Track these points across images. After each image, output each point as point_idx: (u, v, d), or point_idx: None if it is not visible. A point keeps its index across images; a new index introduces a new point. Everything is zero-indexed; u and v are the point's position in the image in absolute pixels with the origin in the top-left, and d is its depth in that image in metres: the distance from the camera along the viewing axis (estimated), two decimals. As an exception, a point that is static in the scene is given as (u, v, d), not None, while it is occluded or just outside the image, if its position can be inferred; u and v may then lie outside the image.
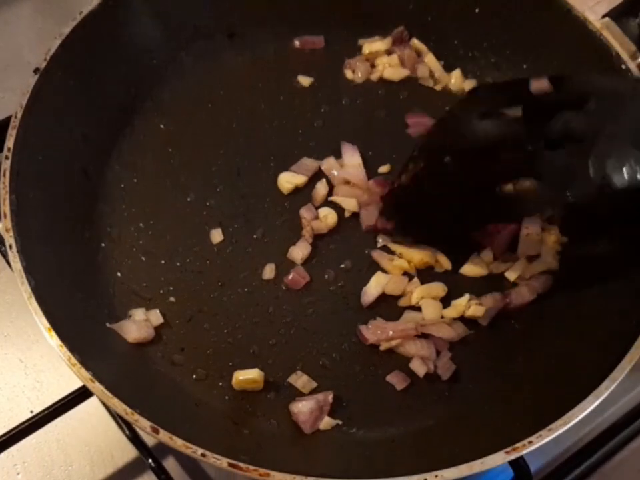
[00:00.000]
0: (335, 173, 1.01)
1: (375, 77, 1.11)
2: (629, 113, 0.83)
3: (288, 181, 1.01)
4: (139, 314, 0.91)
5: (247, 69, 1.11)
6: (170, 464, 0.88)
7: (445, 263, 0.95)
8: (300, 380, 0.88)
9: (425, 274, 0.95)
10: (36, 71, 0.91)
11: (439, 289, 0.94)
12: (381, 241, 0.97)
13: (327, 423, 0.85)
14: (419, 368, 0.89)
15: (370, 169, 1.01)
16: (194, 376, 0.88)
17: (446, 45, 1.12)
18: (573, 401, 0.74)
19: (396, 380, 0.88)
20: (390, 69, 1.11)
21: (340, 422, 0.85)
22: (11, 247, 0.81)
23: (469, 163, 0.88)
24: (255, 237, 0.98)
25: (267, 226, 0.98)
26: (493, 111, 0.87)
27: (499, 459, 0.71)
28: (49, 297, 0.80)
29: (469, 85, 1.11)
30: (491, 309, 0.91)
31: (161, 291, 0.94)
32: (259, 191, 1.01)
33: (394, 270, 0.95)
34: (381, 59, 1.12)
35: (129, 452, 0.89)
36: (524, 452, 0.72)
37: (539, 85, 0.85)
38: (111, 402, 0.74)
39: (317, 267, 0.96)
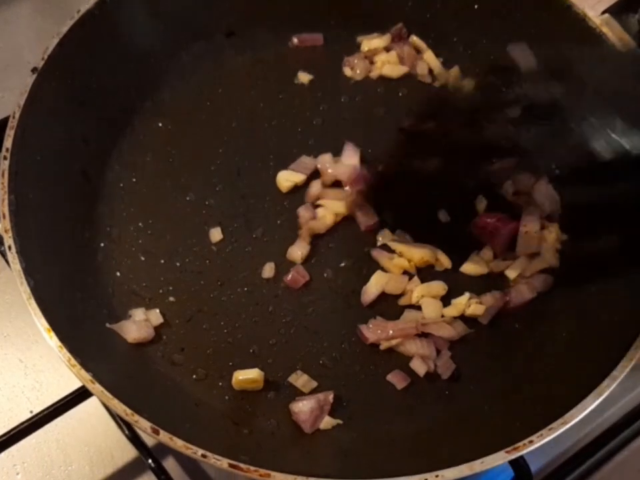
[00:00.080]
0: (330, 170, 1.01)
1: (374, 74, 1.11)
2: (610, 81, 0.82)
3: (287, 179, 1.00)
4: (138, 314, 0.91)
5: (247, 68, 1.11)
6: (170, 464, 0.88)
7: (445, 262, 0.95)
8: (300, 379, 0.87)
9: (425, 273, 0.95)
10: (34, 70, 0.91)
11: (439, 287, 0.93)
12: (380, 239, 0.97)
13: (327, 422, 0.85)
14: (419, 367, 0.88)
15: (369, 167, 1.01)
16: (194, 376, 0.88)
17: (445, 42, 1.11)
18: (574, 400, 0.74)
19: (396, 379, 0.88)
20: (389, 66, 1.11)
21: (340, 421, 0.85)
22: (10, 247, 0.81)
23: (451, 135, 0.89)
24: (254, 236, 0.97)
25: (267, 225, 0.98)
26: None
27: (499, 459, 0.71)
28: (48, 297, 0.80)
29: (467, 82, 1.10)
30: (491, 308, 0.91)
31: (161, 291, 0.94)
32: (258, 190, 1.01)
33: (394, 269, 0.95)
34: (380, 56, 1.11)
35: (128, 452, 0.89)
36: (524, 451, 0.72)
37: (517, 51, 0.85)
38: (111, 403, 0.74)
39: (317, 265, 0.96)
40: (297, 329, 0.92)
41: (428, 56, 1.11)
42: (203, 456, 0.71)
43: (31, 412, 0.90)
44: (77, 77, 0.97)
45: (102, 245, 0.96)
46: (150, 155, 1.03)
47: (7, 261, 0.84)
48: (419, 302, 0.93)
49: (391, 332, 0.90)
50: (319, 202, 0.99)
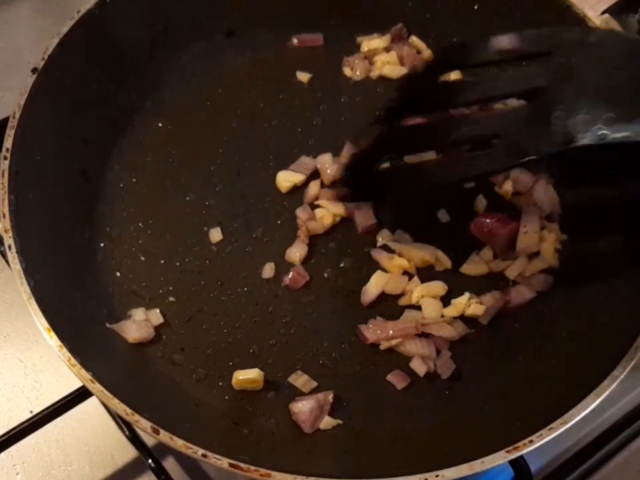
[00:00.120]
0: (329, 171, 1.01)
1: (373, 74, 1.11)
2: (592, 67, 0.82)
3: (286, 179, 1.00)
4: (138, 314, 0.90)
5: (246, 68, 1.11)
6: (170, 464, 0.88)
7: (445, 262, 0.95)
8: (300, 379, 0.87)
9: (425, 273, 0.95)
10: (34, 70, 0.91)
11: (439, 287, 0.93)
12: (380, 239, 0.97)
13: (327, 422, 0.85)
14: (419, 367, 0.88)
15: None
16: (194, 376, 0.88)
17: (445, 42, 1.11)
18: (574, 400, 0.74)
19: (396, 379, 0.88)
20: (389, 66, 1.11)
21: (340, 421, 0.85)
22: (10, 247, 0.81)
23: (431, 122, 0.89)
24: (254, 236, 0.97)
25: (267, 225, 0.98)
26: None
27: (499, 458, 0.71)
28: (48, 297, 0.80)
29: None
30: (491, 308, 0.91)
31: (161, 291, 0.93)
32: (258, 191, 1.01)
33: (394, 269, 0.95)
34: (380, 57, 1.11)
35: (128, 452, 0.89)
36: (524, 451, 0.72)
37: (500, 42, 0.85)
38: (111, 402, 0.74)
39: (317, 266, 0.95)
40: (297, 328, 0.92)
41: (428, 56, 1.11)
42: (204, 456, 0.71)
43: (31, 412, 0.90)
44: (77, 77, 0.97)
45: (102, 245, 0.96)
46: (150, 155, 1.03)
47: (6, 261, 0.84)
48: (419, 302, 0.92)
49: (390, 332, 0.90)
50: (317, 202, 0.99)
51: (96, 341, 0.85)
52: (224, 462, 0.70)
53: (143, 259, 0.96)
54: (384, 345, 0.90)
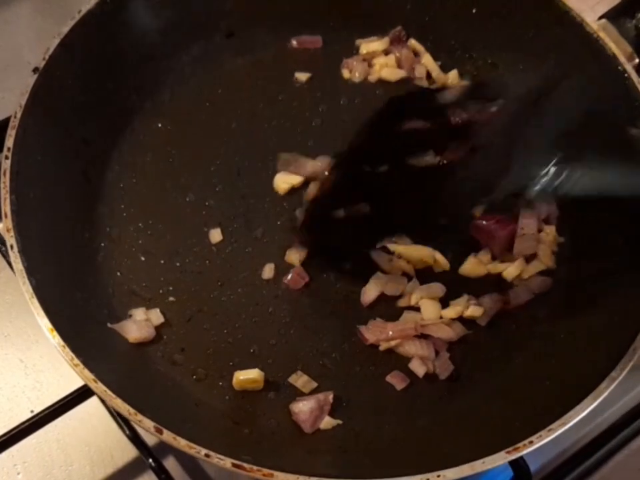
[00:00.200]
0: (327, 172, 1.00)
1: (372, 77, 1.11)
2: (545, 112, 0.83)
3: (284, 181, 1.01)
4: (139, 314, 0.91)
5: (246, 69, 1.11)
6: (170, 464, 0.88)
7: (443, 264, 0.96)
8: (300, 380, 0.88)
9: (424, 274, 0.95)
10: (35, 70, 0.91)
11: (437, 289, 0.94)
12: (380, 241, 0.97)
13: (327, 422, 0.85)
14: (418, 368, 0.89)
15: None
16: (194, 376, 0.89)
17: (443, 45, 1.12)
18: (572, 401, 0.75)
19: (396, 380, 0.89)
20: (387, 69, 1.11)
21: (340, 421, 0.86)
22: (12, 247, 0.80)
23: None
24: (254, 236, 0.98)
25: (267, 226, 0.98)
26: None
27: (499, 459, 0.72)
28: (49, 297, 0.80)
29: (465, 85, 1.11)
30: (490, 310, 0.92)
31: (161, 291, 0.94)
32: (258, 191, 1.01)
33: (393, 270, 0.95)
34: (379, 59, 1.12)
35: (129, 452, 0.90)
36: (525, 452, 0.72)
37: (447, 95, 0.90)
38: (113, 402, 0.74)
39: (317, 266, 0.96)
40: (297, 329, 0.92)
41: (426, 59, 1.11)
42: (207, 455, 0.71)
43: (32, 412, 0.90)
44: (77, 77, 0.97)
45: (102, 244, 0.96)
46: (150, 155, 1.03)
47: (7, 262, 0.84)
48: (418, 303, 0.93)
49: (390, 333, 0.90)
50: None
51: (96, 340, 0.86)
52: (227, 462, 0.71)
53: (143, 259, 0.96)
54: (383, 346, 0.90)
